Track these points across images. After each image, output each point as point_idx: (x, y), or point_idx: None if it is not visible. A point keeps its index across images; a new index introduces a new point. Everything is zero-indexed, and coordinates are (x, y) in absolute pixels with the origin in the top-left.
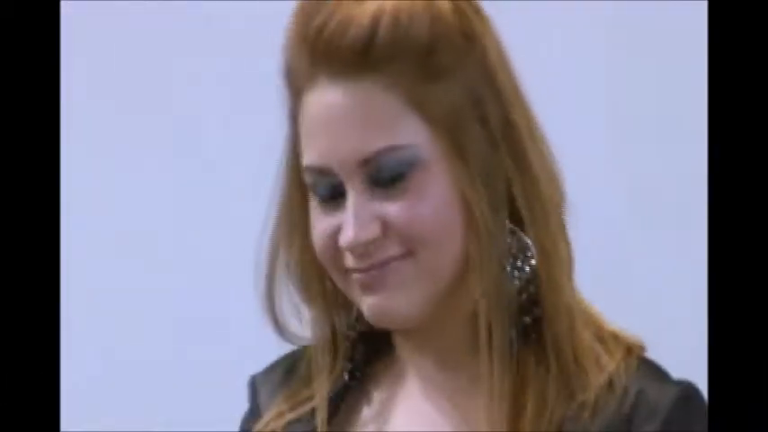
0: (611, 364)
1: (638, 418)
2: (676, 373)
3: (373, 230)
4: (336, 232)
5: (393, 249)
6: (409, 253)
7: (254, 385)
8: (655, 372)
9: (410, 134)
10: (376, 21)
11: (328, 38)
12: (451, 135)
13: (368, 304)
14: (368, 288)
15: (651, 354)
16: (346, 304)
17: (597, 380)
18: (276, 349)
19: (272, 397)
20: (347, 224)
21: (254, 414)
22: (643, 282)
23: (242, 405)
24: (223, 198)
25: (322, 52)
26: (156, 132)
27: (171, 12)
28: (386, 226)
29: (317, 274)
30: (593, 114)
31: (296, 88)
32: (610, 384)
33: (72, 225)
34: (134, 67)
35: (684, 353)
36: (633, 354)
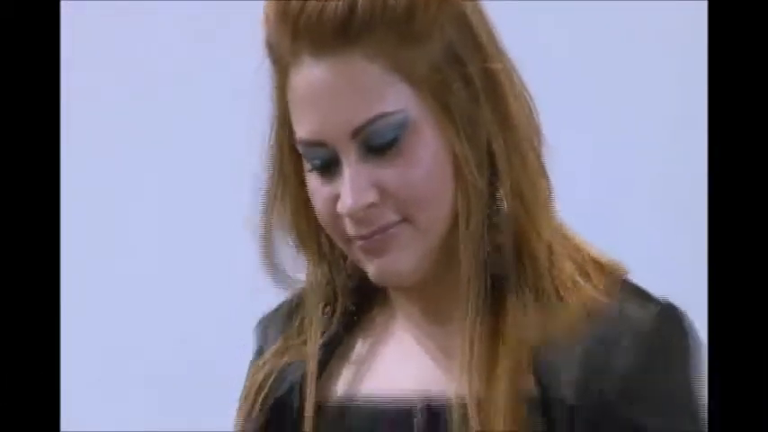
0: (591, 289)
1: (617, 336)
2: None
3: (371, 196)
4: (335, 200)
5: (390, 216)
6: (406, 219)
7: (261, 327)
8: (635, 292)
9: (398, 100)
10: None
11: (308, 15)
12: (437, 95)
13: (372, 268)
14: (370, 253)
15: None
16: (341, 257)
17: (577, 306)
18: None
19: (278, 337)
20: (345, 192)
21: (260, 355)
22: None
23: None
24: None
25: (303, 30)
26: (156, 131)
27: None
28: (382, 191)
29: (311, 233)
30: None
31: (281, 65)
32: (589, 309)
33: (74, 223)
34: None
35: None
36: (614, 277)
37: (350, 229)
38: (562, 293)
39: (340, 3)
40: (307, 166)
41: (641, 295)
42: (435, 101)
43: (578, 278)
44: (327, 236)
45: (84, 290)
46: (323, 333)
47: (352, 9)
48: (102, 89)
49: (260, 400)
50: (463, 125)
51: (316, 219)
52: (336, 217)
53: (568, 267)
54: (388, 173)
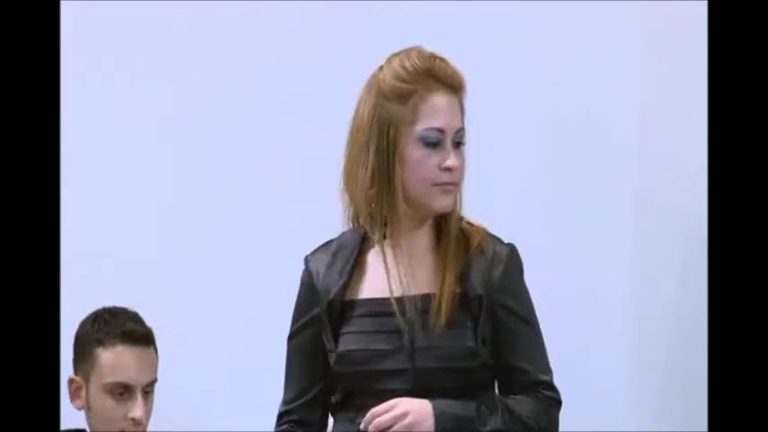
0: (482, 233)
1: (495, 258)
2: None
3: (458, 162)
4: (439, 162)
5: (456, 178)
6: (458, 184)
7: (308, 261)
8: (496, 239)
9: (462, 124)
10: (461, 74)
11: (450, 72)
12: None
13: (443, 202)
14: (447, 193)
15: None
16: (380, 222)
17: (476, 243)
18: None
19: (320, 267)
20: (451, 158)
21: (309, 275)
22: None
23: None
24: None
25: (445, 79)
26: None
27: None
28: (459, 164)
29: (365, 203)
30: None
31: (408, 92)
32: (481, 243)
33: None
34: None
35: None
36: (484, 231)
37: (443, 178)
38: (469, 235)
39: (457, 72)
40: (419, 145)
41: (499, 239)
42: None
43: (474, 226)
44: (372, 207)
45: (83, 289)
46: (351, 258)
47: (460, 78)
48: (100, 89)
49: (311, 300)
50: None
51: (370, 187)
52: (435, 171)
53: (469, 222)
54: (458, 157)
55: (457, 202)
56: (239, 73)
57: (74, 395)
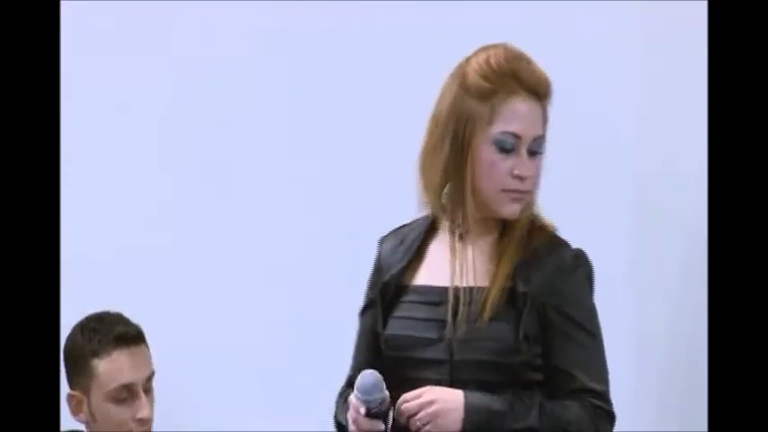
0: (547, 235)
1: (551, 260)
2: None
3: (531, 170)
4: (511, 168)
5: (528, 187)
6: (530, 192)
7: (380, 243)
8: (562, 242)
9: (544, 131)
10: (547, 78)
11: (535, 76)
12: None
13: (510, 209)
14: (516, 201)
15: None
16: (447, 214)
17: (538, 243)
18: None
19: (387, 249)
20: (523, 165)
21: (378, 256)
22: None
23: None
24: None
25: (530, 84)
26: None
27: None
28: (532, 173)
29: (436, 194)
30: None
31: (490, 91)
32: (540, 246)
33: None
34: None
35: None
36: (552, 232)
37: (512, 185)
38: (535, 235)
39: (543, 77)
40: (493, 147)
41: (566, 243)
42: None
43: (543, 227)
44: (445, 197)
45: (83, 287)
46: (415, 244)
47: (547, 82)
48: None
49: (375, 281)
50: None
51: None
52: (506, 177)
53: (539, 223)
54: (533, 167)
55: (528, 208)
56: (243, 69)
57: (75, 410)
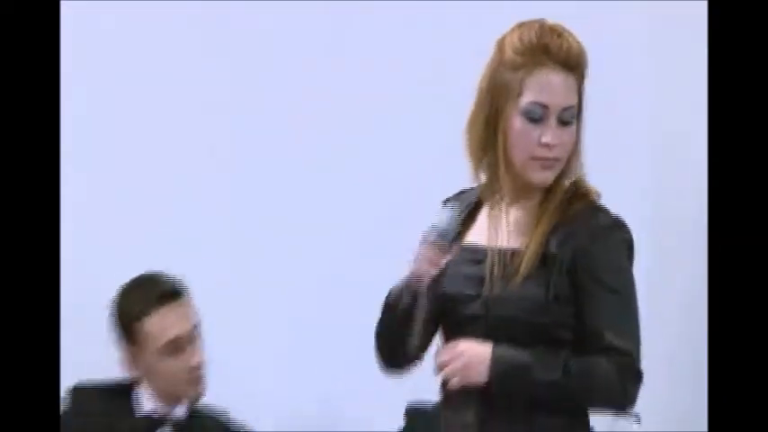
0: (587, 201)
1: (589, 225)
2: None
3: (558, 141)
4: (539, 137)
5: (558, 154)
6: (559, 159)
7: (444, 203)
8: (602, 209)
9: (576, 100)
10: (580, 49)
11: (564, 49)
12: (580, 108)
13: (541, 176)
14: (545, 168)
15: None
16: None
17: (577, 207)
18: None
19: (454, 208)
20: (550, 133)
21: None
22: None
23: None
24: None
25: (559, 56)
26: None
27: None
28: (559, 142)
29: (476, 163)
30: None
31: (520, 63)
32: (578, 212)
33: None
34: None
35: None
36: (593, 199)
37: (540, 152)
38: (574, 201)
39: (574, 51)
40: (522, 118)
41: (605, 209)
42: (580, 106)
43: (584, 195)
44: (484, 169)
45: (83, 288)
46: (468, 207)
47: (578, 54)
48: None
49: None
50: (581, 120)
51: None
52: (534, 145)
53: (582, 191)
54: (565, 134)
55: (566, 175)
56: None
57: (130, 368)
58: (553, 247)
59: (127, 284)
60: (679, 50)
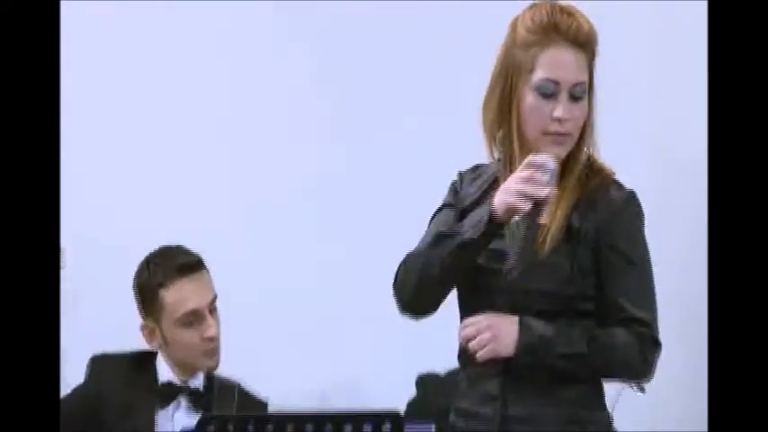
0: (604, 176)
1: (608, 199)
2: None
3: (568, 115)
4: (550, 111)
5: (569, 129)
6: (571, 134)
7: (460, 173)
8: (618, 183)
9: (587, 77)
10: (591, 28)
11: (574, 28)
12: (591, 84)
13: (553, 151)
14: (557, 143)
15: None
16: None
17: (595, 183)
18: None
19: (467, 179)
20: (561, 108)
21: (458, 181)
22: None
23: None
24: None
25: (568, 34)
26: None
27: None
28: (570, 117)
29: (492, 140)
30: None
31: (538, 44)
32: (600, 185)
33: None
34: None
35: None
36: (608, 174)
37: (552, 127)
38: (591, 176)
39: (584, 29)
40: (535, 93)
41: (620, 184)
42: (590, 83)
43: (600, 170)
44: (501, 142)
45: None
46: (488, 180)
47: (587, 32)
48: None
49: (455, 202)
50: (592, 97)
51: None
52: (546, 120)
53: (597, 166)
54: (576, 108)
55: (580, 150)
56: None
57: (149, 338)
58: (576, 221)
59: (149, 255)
60: (679, 48)
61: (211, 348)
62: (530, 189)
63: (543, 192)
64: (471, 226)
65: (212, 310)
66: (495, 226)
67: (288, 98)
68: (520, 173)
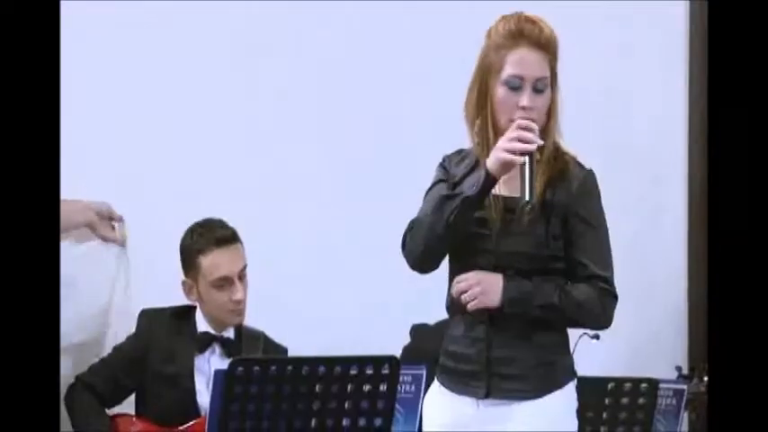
0: (568, 158)
1: (573, 176)
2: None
3: (534, 104)
4: (517, 102)
5: (533, 116)
6: (536, 122)
7: (445, 156)
8: (579, 164)
9: (547, 73)
10: (551, 34)
11: (533, 33)
12: (553, 77)
13: (520, 134)
14: (523, 128)
15: None
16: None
17: (561, 164)
18: None
19: (454, 160)
20: (526, 98)
21: (446, 162)
22: None
23: None
24: None
25: (527, 38)
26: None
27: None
28: (534, 106)
29: (473, 123)
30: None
31: (504, 47)
32: (565, 165)
33: None
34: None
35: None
36: (571, 157)
37: (519, 115)
38: (558, 158)
39: (545, 35)
40: (503, 87)
41: (581, 164)
42: (553, 77)
43: (564, 154)
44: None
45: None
46: (473, 161)
47: (547, 37)
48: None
49: (441, 174)
50: (555, 89)
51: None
52: (514, 109)
53: (562, 151)
54: (539, 100)
55: (549, 136)
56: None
57: (188, 293)
58: (549, 195)
59: (194, 225)
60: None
61: (238, 309)
62: (519, 145)
63: (531, 146)
64: (470, 186)
65: (242, 276)
66: (491, 182)
67: (287, 96)
68: (508, 134)
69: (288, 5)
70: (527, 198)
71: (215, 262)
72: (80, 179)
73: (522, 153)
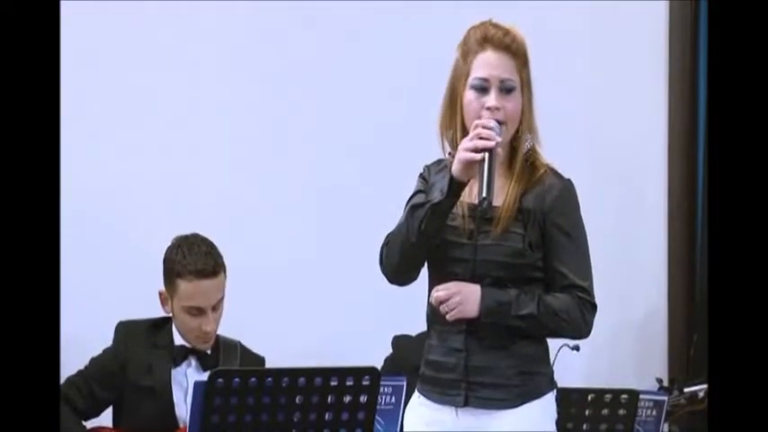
0: (544, 167)
1: (551, 186)
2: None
3: (502, 104)
4: (484, 103)
5: (501, 117)
6: (503, 123)
7: (425, 167)
8: (557, 173)
9: (515, 76)
10: (517, 38)
11: (498, 38)
12: (523, 80)
13: (479, 132)
14: (482, 126)
15: None
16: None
17: (539, 173)
18: None
19: (433, 170)
20: (492, 99)
21: (425, 172)
22: None
23: None
24: None
25: (493, 42)
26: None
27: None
28: (502, 107)
29: (449, 129)
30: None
31: (473, 51)
32: (543, 175)
33: None
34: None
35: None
36: (548, 166)
37: (484, 115)
38: (535, 169)
39: (510, 38)
40: (471, 90)
41: (559, 174)
42: (523, 82)
43: (541, 164)
44: (456, 136)
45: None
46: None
47: (513, 41)
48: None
49: (422, 185)
50: (527, 95)
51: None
52: (482, 109)
53: (539, 159)
54: (508, 102)
55: (520, 140)
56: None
57: (164, 304)
58: (527, 204)
59: (182, 240)
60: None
61: (206, 338)
62: (480, 142)
63: (490, 143)
64: (437, 192)
65: (216, 308)
66: (456, 185)
67: (285, 93)
68: (469, 135)
69: (275, 12)
70: (484, 194)
71: (190, 291)
72: (80, 179)
73: (483, 150)
